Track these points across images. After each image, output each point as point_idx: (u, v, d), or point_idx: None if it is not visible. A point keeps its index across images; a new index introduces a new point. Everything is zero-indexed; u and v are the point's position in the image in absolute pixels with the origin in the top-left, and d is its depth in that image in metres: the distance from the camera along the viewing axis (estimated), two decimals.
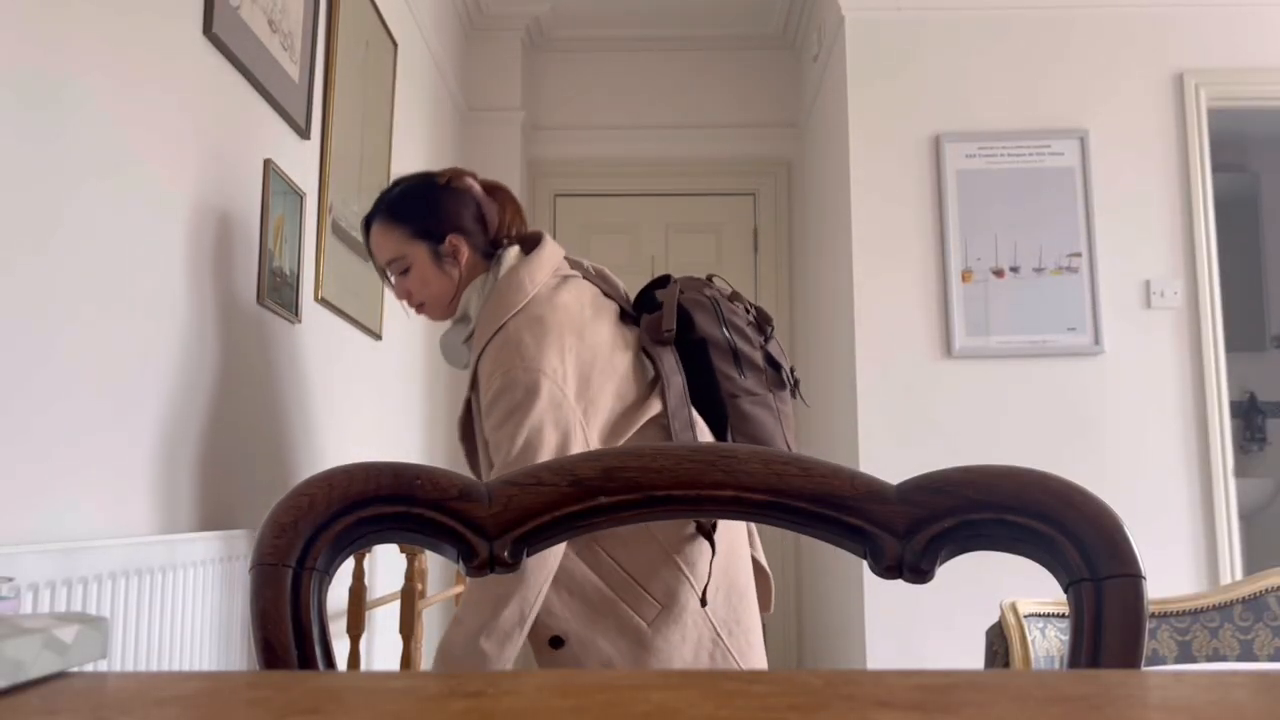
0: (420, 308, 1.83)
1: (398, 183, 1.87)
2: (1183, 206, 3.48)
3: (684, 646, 1.64)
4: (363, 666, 2.71)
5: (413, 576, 2.63)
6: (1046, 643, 1.86)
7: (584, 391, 1.64)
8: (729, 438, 1.81)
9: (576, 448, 1.59)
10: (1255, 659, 1.90)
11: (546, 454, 1.57)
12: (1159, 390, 3.39)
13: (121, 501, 1.65)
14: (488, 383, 1.62)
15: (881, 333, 3.44)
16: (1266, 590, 1.94)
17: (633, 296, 1.90)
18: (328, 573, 0.60)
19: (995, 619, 1.96)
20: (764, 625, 1.83)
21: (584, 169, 4.70)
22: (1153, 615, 1.94)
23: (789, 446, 1.90)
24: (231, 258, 2.06)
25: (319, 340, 2.58)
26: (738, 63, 4.72)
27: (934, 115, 3.54)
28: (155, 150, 1.77)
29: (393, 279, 1.82)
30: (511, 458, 1.57)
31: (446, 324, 1.85)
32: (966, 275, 3.45)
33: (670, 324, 1.77)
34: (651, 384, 1.75)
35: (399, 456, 3.32)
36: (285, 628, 0.57)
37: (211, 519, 1.96)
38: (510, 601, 1.58)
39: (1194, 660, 1.92)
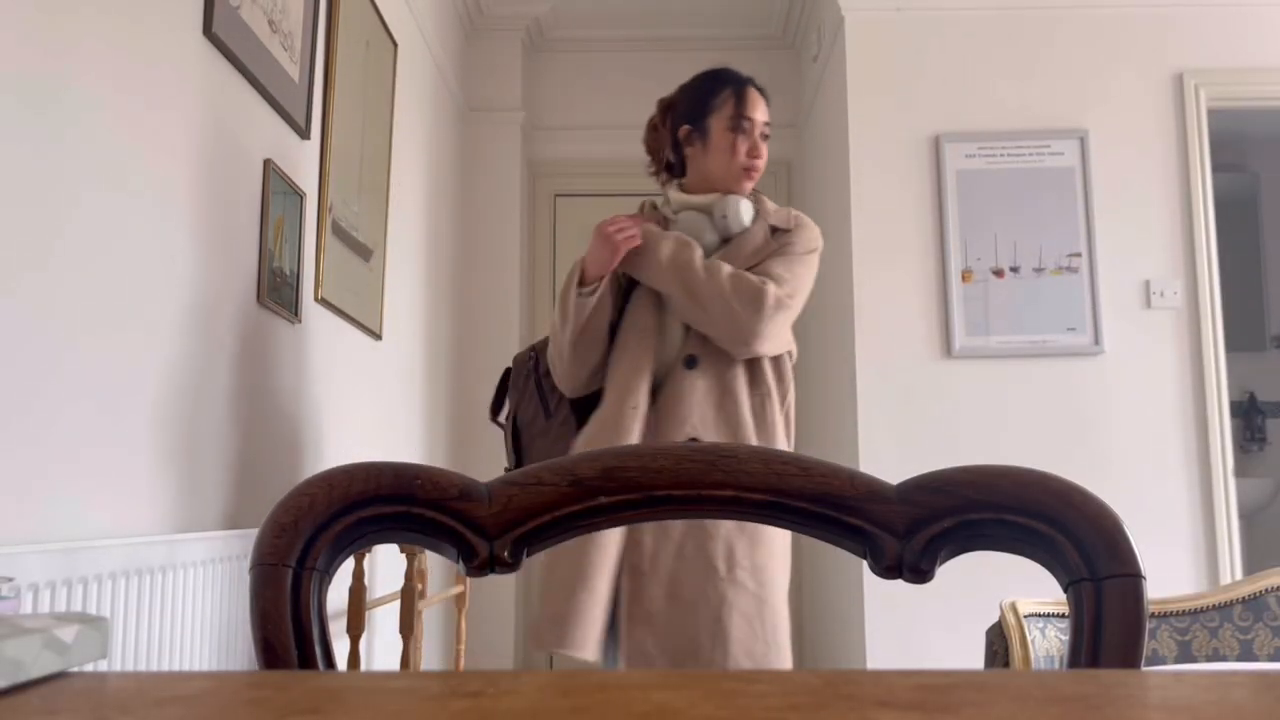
0: (757, 171, 2.03)
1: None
2: (1183, 206, 3.47)
3: None
4: (363, 666, 2.71)
5: (413, 576, 2.63)
6: (1046, 643, 1.86)
7: None
8: None
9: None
10: (1255, 659, 1.90)
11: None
12: (1159, 390, 3.39)
13: (122, 501, 1.65)
14: (809, 236, 2.04)
15: (881, 333, 3.44)
16: (1266, 590, 1.94)
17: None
18: (328, 573, 0.60)
19: (995, 619, 1.96)
20: None
21: (584, 169, 4.69)
22: (1153, 615, 1.94)
23: None
24: (231, 258, 2.06)
25: (319, 340, 2.58)
26: (738, 63, 4.68)
27: (934, 115, 3.54)
28: (155, 151, 1.77)
29: (761, 142, 2.03)
30: (800, 283, 2.01)
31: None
32: (966, 275, 3.45)
33: None
34: None
35: (399, 456, 3.32)
36: (285, 628, 0.57)
37: (211, 519, 1.96)
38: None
39: (1194, 660, 1.92)
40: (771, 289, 1.92)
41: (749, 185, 2.02)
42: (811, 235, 2.05)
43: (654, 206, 2.08)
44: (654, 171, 2.13)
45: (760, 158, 2.01)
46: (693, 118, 2.03)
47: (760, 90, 2.06)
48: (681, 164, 2.05)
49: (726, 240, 1.99)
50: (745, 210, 1.99)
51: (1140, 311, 3.43)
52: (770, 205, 2.06)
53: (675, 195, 2.03)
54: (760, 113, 2.02)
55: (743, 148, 1.99)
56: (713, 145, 2.00)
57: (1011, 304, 3.43)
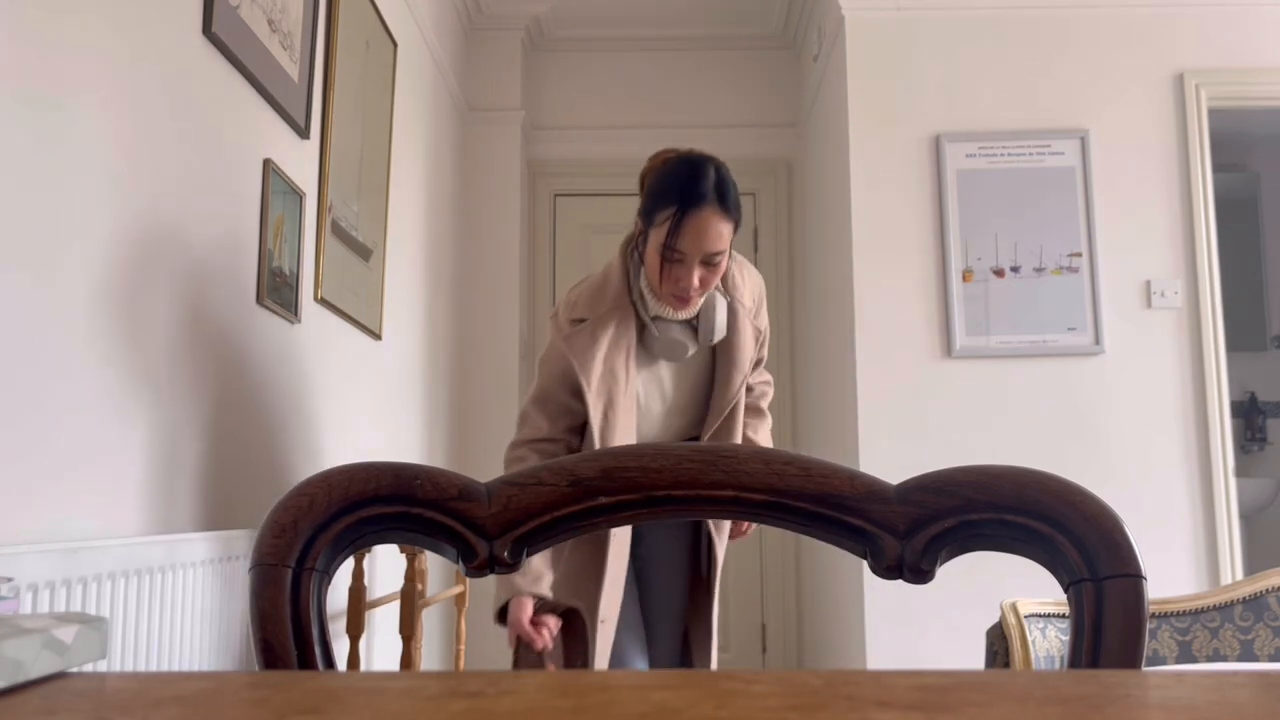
0: (689, 300, 1.82)
1: (721, 168, 1.83)
2: (1183, 206, 3.47)
3: None
4: (362, 666, 2.71)
5: (413, 576, 2.63)
6: (1047, 643, 1.85)
7: None
8: None
9: None
10: (1256, 659, 1.90)
11: None
12: (1159, 390, 3.39)
13: (121, 502, 1.65)
14: (765, 309, 2.04)
15: (881, 333, 3.43)
16: (1267, 590, 1.94)
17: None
18: (327, 573, 0.60)
19: (995, 619, 1.96)
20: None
21: (584, 169, 4.70)
22: (1153, 615, 1.94)
23: None
24: (231, 258, 2.06)
25: (319, 340, 2.57)
26: (738, 63, 4.72)
27: (934, 115, 3.54)
28: (155, 150, 1.77)
29: (698, 269, 1.78)
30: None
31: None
32: (967, 275, 3.45)
33: None
34: None
35: (399, 456, 3.32)
36: (285, 628, 0.57)
37: (211, 519, 1.96)
38: None
39: (1194, 660, 1.92)
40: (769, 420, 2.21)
41: (683, 311, 1.85)
42: (765, 308, 2.05)
43: (638, 298, 1.88)
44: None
45: (695, 287, 1.78)
46: (644, 216, 1.83)
47: (723, 207, 1.77)
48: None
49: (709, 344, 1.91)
50: (721, 316, 1.86)
51: (1141, 311, 3.43)
52: (739, 282, 1.95)
53: (652, 300, 1.86)
54: (702, 243, 1.75)
55: (674, 275, 1.79)
56: (647, 261, 1.82)
57: (1012, 304, 3.42)
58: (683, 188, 1.76)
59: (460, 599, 3.31)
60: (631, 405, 1.89)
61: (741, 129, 4.67)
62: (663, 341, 1.86)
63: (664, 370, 1.95)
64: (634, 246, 1.90)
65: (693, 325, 1.87)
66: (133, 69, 1.69)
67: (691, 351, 1.88)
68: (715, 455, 0.64)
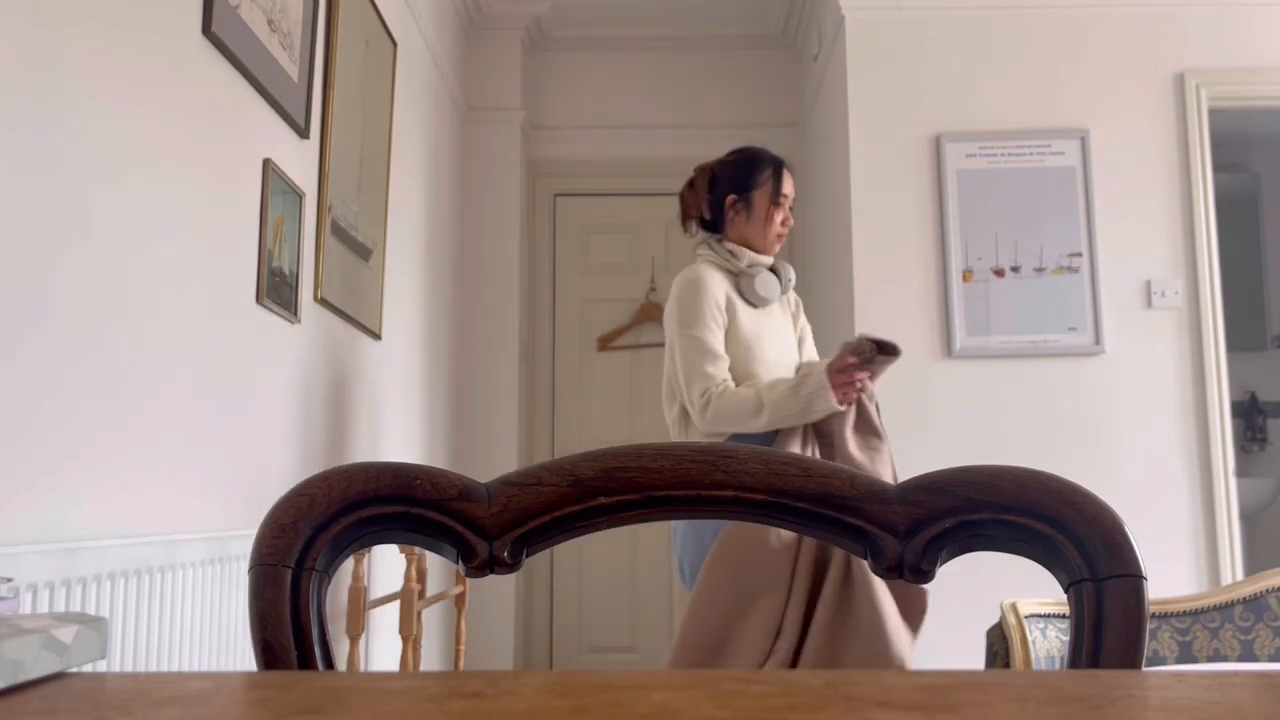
0: (785, 238, 2.42)
1: None
2: (1183, 206, 3.47)
3: None
4: (362, 667, 2.71)
5: (412, 577, 2.63)
6: (1047, 643, 1.85)
7: None
8: None
9: None
10: (1256, 659, 1.90)
11: None
12: (1159, 390, 3.39)
13: (122, 501, 1.65)
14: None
15: (881, 332, 3.43)
16: (1267, 590, 1.94)
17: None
18: (327, 573, 0.60)
19: (996, 619, 1.96)
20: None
21: (584, 169, 4.70)
22: (1153, 615, 1.94)
23: None
24: (231, 258, 2.06)
25: (318, 340, 2.57)
26: (738, 63, 4.72)
27: (934, 115, 3.54)
28: (155, 150, 1.77)
29: (789, 210, 2.40)
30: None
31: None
32: (967, 275, 3.45)
33: None
34: None
35: (399, 456, 3.32)
36: (285, 628, 0.57)
37: (211, 519, 1.96)
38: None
39: (1195, 661, 1.92)
40: None
41: (778, 248, 2.41)
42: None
43: (730, 253, 2.37)
44: (683, 221, 2.44)
45: (789, 226, 2.39)
46: (739, 189, 2.37)
47: (789, 168, 2.43)
48: (718, 223, 2.39)
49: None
50: (790, 271, 2.44)
51: (1141, 311, 3.43)
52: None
53: (746, 253, 2.35)
54: (791, 188, 2.39)
55: (778, 218, 2.37)
56: (756, 215, 2.36)
57: (1012, 304, 3.42)
58: (767, 156, 2.40)
59: (460, 599, 3.31)
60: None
61: (741, 129, 4.66)
62: (760, 280, 2.32)
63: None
64: (717, 236, 2.40)
65: (780, 279, 2.39)
66: (132, 69, 1.69)
67: (778, 293, 2.36)
68: (716, 455, 0.64)
